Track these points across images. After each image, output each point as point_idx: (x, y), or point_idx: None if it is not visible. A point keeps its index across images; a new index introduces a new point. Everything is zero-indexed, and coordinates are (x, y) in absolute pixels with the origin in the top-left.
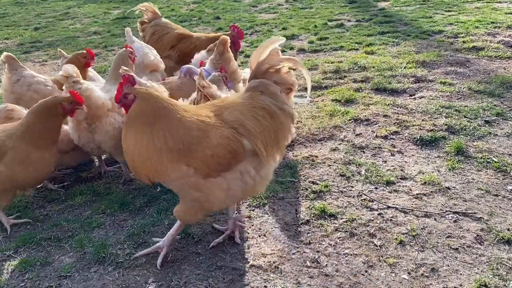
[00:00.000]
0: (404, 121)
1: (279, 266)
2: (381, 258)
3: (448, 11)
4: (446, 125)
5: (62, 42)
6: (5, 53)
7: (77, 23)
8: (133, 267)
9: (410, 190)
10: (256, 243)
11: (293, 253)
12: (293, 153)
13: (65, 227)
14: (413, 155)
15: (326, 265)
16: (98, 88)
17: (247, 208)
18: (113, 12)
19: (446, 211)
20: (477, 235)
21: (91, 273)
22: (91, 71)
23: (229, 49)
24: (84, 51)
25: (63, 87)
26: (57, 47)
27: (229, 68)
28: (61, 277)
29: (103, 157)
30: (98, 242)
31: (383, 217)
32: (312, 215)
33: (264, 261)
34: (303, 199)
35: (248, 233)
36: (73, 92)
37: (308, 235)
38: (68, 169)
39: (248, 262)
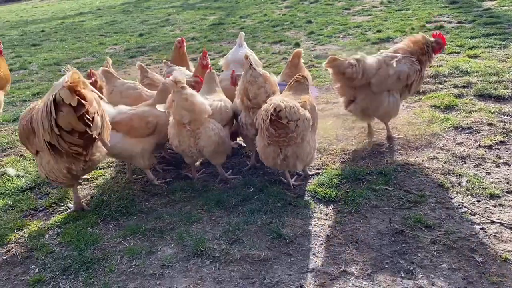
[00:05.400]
0: (511, 130)
1: (371, 274)
2: (483, 275)
3: None
4: None
5: (163, 48)
6: (101, 68)
7: (177, 29)
8: (228, 262)
9: None
10: (348, 250)
11: (386, 263)
12: (387, 160)
13: (167, 220)
14: None
15: (422, 277)
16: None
17: (338, 214)
18: (209, 18)
19: None
20: None
21: (190, 264)
22: None
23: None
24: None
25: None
26: (159, 52)
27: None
28: (163, 266)
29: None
30: (197, 236)
31: (485, 232)
32: (407, 225)
33: (356, 268)
34: (397, 208)
35: (340, 238)
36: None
37: (403, 245)
38: (170, 166)
39: (340, 268)
